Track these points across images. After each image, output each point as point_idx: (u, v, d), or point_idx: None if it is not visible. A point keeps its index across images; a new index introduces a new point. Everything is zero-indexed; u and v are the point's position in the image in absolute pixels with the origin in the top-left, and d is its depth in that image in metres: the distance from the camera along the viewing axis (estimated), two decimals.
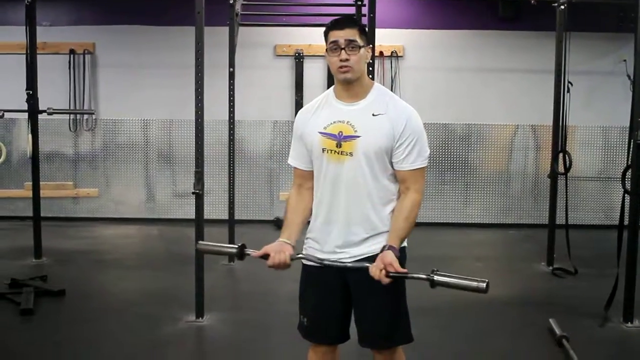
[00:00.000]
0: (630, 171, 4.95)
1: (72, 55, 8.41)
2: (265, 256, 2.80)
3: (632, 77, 7.51)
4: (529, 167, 8.57)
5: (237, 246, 2.87)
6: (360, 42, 2.76)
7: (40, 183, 6.70)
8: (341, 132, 2.82)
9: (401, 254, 2.87)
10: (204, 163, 4.89)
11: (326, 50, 2.81)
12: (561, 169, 6.49)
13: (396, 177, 2.86)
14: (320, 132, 2.84)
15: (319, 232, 2.91)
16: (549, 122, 6.71)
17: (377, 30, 5.18)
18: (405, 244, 2.92)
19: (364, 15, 5.60)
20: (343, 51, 2.74)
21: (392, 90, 7.70)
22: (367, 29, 2.88)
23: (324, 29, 2.84)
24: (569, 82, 6.35)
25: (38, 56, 6.53)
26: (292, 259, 2.81)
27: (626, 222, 5.00)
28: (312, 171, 2.95)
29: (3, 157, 7.50)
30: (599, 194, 8.52)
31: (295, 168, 3.01)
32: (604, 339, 4.78)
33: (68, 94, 8.39)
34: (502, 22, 8.38)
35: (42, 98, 6.57)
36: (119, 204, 8.65)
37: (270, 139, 8.46)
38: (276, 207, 8.36)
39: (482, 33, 8.40)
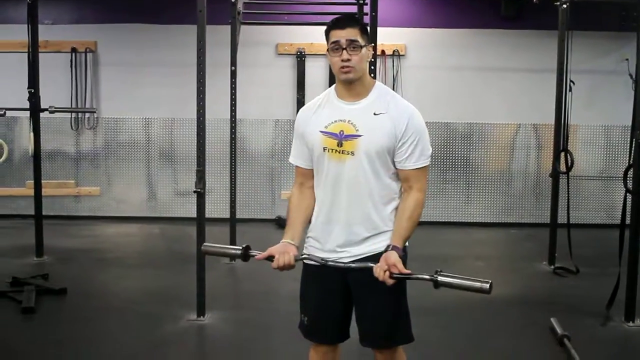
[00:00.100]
0: (632, 170, 4.94)
1: (73, 54, 8.41)
2: (270, 258, 2.80)
3: (634, 76, 7.53)
4: (531, 166, 8.56)
5: (241, 247, 2.86)
6: (361, 41, 2.75)
7: (42, 181, 6.70)
8: (342, 131, 2.81)
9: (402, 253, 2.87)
10: (205, 162, 4.90)
11: (327, 50, 2.80)
12: (563, 168, 6.48)
13: (398, 176, 2.86)
14: (322, 131, 2.84)
15: (320, 231, 2.91)
16: (551, 121, 6.71)
17: (379, 29, 5.17)
18: (406, 243, 2.92)
19: (366, 14, 5.61)
20: (344, 51, 2.74)
21: (393, 89, 7.72)
22: (368, 27, 2.87)
23: (325, 27, 2.83)
24: (571, 81, 6.34)
25: (40, 54, 6.52)
26: (296, 260, 2.81)
27: (628, 221, 4.99)
28: (313, 169, 2.95)
29: (5, 155, 7.50)
30: (601, 193, 8.51)
31: (296, 167, 3.01)
32: (606, 338, 4.78)
33: (70, 92, 8.39)
34: (504, 21, 8.37)
35: (44, 96, 6.57)
36: (120, 203, 8.66)
37: (272, 138, 8.46)
38: (278, 206, 8.36)
39: (484, 32, 8.39)
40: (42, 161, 6.79)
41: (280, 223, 7.84)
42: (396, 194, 2.87)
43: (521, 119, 8.48)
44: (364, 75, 2.83)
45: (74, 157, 8.61)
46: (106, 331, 4.79)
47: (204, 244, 3.04)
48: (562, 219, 6.53)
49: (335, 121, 2.83)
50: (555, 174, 6.62)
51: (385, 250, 2.73)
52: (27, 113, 6.65)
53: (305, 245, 2.97)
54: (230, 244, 6.56)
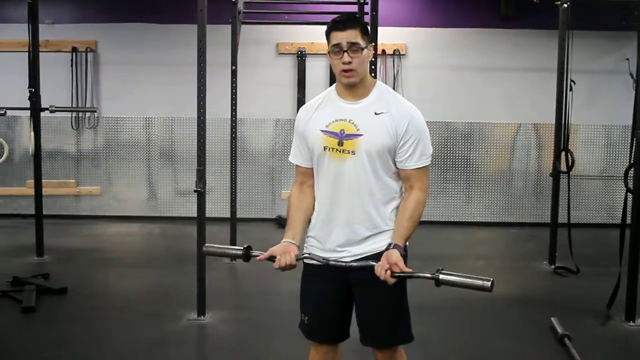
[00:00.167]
0: (632, 170, 4.94)
1: (74, 53, 8.41)
2: (271, 258, 2.80)
3: (634, 76, 7.55)
4: (531, 166, 8.56)
5: (242, 248, 2.86)
6: (362, 43, 2.75)
7: (43, 181, 6.70)
8: (343, 130, 2.81)
9: (402, 253, 2.87)
10: (206, 161, 4.90)
11: (328, 52, 2.80)
12: (563, 167, 6.48)
13: (398, 175, 2.86)
14: (322, 130, 2.84)
15: (320, 230, 2.90)
16: (551, 120, 6.71)
17: (379, 29, 5.17)
18: (407, 242, 2.92)
19: (367, 14, 5.61)
20: (345, 54, 2.73)
21: (394, 88, 7.71)
22: (369, 27, 2.86)
23: (326, 27, 2.83)
24: (571, 80, 6.34)
25: (40, 54, 6.52)
26: (297, 259, 2.81)
27: (628, 220, 4.99)
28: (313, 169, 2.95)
29: (5, 154, 7.50)
30: (601, 193, 8.51)
31: (296, 166, 3.01)
32: (606, 337, 4.78)
33: (70, 91, 8.39)
34: (504, 21, 8.37)
35: (45, 96, 6.57)
36: (120, 202, 8.66)
37: (272, 137, 8.46)
38: (278, 205, 8.36)
39: (484, 31, 8.38)
40: (42, 160, 6.79)
41: (280, 222, 7.84)
42: (396, 193, 2.87)
43: (521, 118, 8.48)
44: (365, 75, 2.83)
45: (74, 157, 8.61)
46: (106, 331, 4.79)
47: (205, 244, 3.04)
48: (562, 218, 6.53)
49: (336, 120, 2.83)
50: (555, 174, 6.62)
51: (387, 249, 2.73)
52: (28, 112, 6.66)
53: (305, 245, 2.97)
54: (231, 244, 6.57)
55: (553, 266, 6.47)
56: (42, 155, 6.75)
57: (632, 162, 4.98)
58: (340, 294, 2.94)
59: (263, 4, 7.37)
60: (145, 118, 8.55)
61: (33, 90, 6.41)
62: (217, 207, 7.87)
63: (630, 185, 4.97)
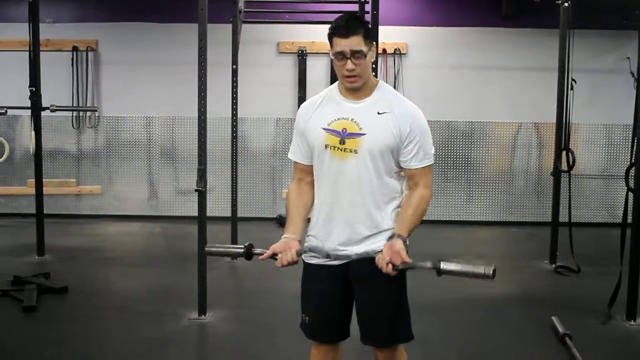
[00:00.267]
0: (633, 169, 4.94)
1: (75, 52, 8.40)
2: (274, 256, 2.81)
3: (635, 75, 7.55)
4: (532, 165, 8.56)
5: (243, 246, 2.86)
6: (365, 48, 2.74)
7: (43, 180, 6.71)
8: (345, 129, 2.81)
9: (401, 270, 2.88)
10: (206, 160, 4.90)
11: (332, 55, 2.79)
12: (564, 166, 6.48)
13: (400, 175, 2.87)
14: (324, 128, 2.84)
15: (321, 229, 2.90)
16: (552, 119, 6.70)
17: (380, 28, 5.17)
18: (409, 237, 2.93)
19: (367, 13, 5.60)
20: (349, 61, 2.73)
21: (395, 87, 7.70)
22: (370, 25, 2.85)
23: (327, 26, 2.82)
24: (572, 79, 6.34)
25: (41, 53, 6.53)
26: (298, 254, 2.81)
27: (629, 220, 4.98)
28: (312, 166, 2.95)
29: (6, 154, 7.49)
30: (602, 192, 8.51)
31: (295, 162, 3.01)
32: (607, 336, 4.77)
33: (71, 91, 8.39)
34: (505, 20, 8.36)
35: (45, 95, 6.57)
36: (121, 201, 8.66)
37: (273, 137, 8.47)
38: (279, 205, 8.36)
39: (485, 30, 8.38)
40: (43, 160, 6.79)
41: (281, 222, 7.84)
42: (398, 193, 2.88)
43: (522, 117, 8.47)
44: (368, 76, 2.83)
45: (75, 156, 8.61)
46: (107, 330, 4.79)
47: (207, 246, 3.04)
48: (563, 217, 6.53)
49: (339, 119, 2.83)
50: (556, 173, 6.61)
51: (390, 238, 2.73)
52: (29, 112, 6.66)
53: (305, 244, 2.97)
54: (232, 243, 6.57)
55: (554, 265, 6.46)
56: (42, 154, 6.75)
57: (633, 161, 4.98)
58: (340, 293, 2.94)
59: (264, 3, 7.37)
60: (146, 117, 8.55)
61: (34, 89, 6.41)
62: (217, 206, 7.88)
63: (631, 184, 4.96)
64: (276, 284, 5.64)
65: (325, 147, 2.83)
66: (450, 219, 8.47)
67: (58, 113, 7.19)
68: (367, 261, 2.81)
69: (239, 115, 6.74)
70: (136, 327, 4.84)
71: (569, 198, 6.44)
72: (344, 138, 2.81)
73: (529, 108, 8.41)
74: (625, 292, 4.96)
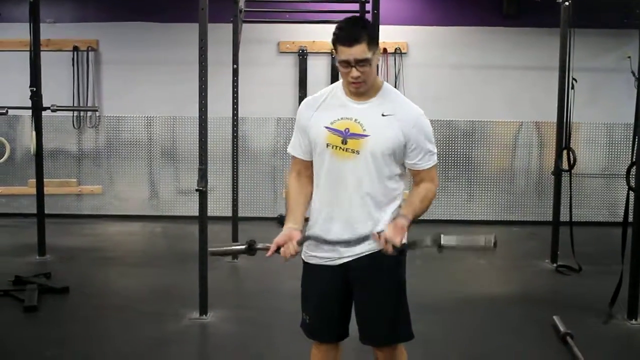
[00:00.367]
0: (634, 168, 4.93)
1: (75, 52, 8.40)
2: (279, 250, 2.80)
3: (636, 74, 7.55)
4: (533, 164, 8.55)
5: (245, 242, 2.87)
6: (370, 54, 2.73)
7: (44, 180, 6.71)
8: (347, 129, 2.81)
9: (401, 251, 2.88)
10: (207, 160, 4.90)
11: (336, 59, 2.78)
12: (565, 165, 6.47)
13: (401, 176, 2.89)
14: (327, 127, 2.83)
15: (320, 229, 2.90)
16: (553, 118, 6.70)
17: (380, 27, 5.16)
18: (404, 240, 2.93)
19: (368, 12, 5.60)
20: (354, 69, 2.72)
21: (395, 87, 7.69)
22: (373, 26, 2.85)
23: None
24: (573, 78, 6.34)
25: (42, 53, 6.53)
26: (300, 244, 2.81)
27: (630, 219, 4.98)
28: (311, 162, 2.95)
29: (7, 154, 7.49)
30: (603, 191, 8.50)
31: (294, 157, 3.01)
32: (609, 336, 4.77)
33: (72, 90, 8.39)
34: (505, 19, 8.36)
35: (46, 95, 6.57)
36: (122, 201, 8.65)
37: (274, 136, 8.47)
38: (280, 205, 8.36)
39: (485, 30, 8.38)
40: (44, 160, 6.79)
41: (282, 221, 7.80)
42: (398, 194, 2.88)
43: (523, 116, 8.47)
44: (374, 78, 2.83)
45: (76, 156, 8.61)
46: (108, 330, 4.80)
47: (210, 248, 3.04)
48: (564, 216, 6.52)
49: (342, 118, 2.83)
50: (557, 172, 6.61)
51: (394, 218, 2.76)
52: (29, 112, 6.66)
53: (306, 233, 2.95)
54: (231, 243, 6.57)
55: (555, 264, 6.46)
56: (43, 154, 6.75)
57: (634, 160, 4.97)
58: (339, 293, 2.94)
59: (264, 3, 7.36)
60: (147, 117, 8.55)
61: (34, 89, 6.41)
62: (218, 206, 7.87)
63: (632, 183, 4.96)
64: (277, 284, 5.64)
65: (327, 146, 2.83)
66: (451, 219, 8.46)
67: (59, 113, 7.17)
68: (366, 261, 2.82)
69: (239, 115, 6.74)
70: (137, 327, 4.84)
71: (570, 197, 6.44)
72: (346, 138, 2.81)
73: (529, 107, 8.41)
74: (627, 291, 4.95)
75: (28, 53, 6.44)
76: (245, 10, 6.67)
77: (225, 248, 3.08)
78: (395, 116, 2.80)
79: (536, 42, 8.20)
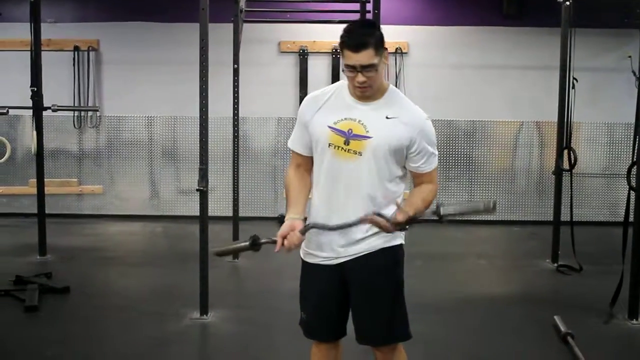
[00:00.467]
0: (635, 167, 4.93)
1: (76, 52, 8.40)
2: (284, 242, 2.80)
3: (637, 74, 7.55)
4: (534, 164, 8.55)
5: (250, 238, 2.87)
6: (377, 60, 2.72)
7: (45, 180, 6.71)
8: (351, 129, 2.80)
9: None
10: (208, 160, 4.90)
11: (342, 63, 2.77)
12: (566, 165, 6.47)
13: (401, 179, 2.89)
14: (330, 127, 2.82)
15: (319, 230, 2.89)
16: (553, 118, 6.70)
17: (381, 27, 5.15)
18: (402, 241, 2.93)
19: (369, 12, 5.60)
20: (360, 74, 2.72)
21: (396, 86, 7.70)
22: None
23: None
24: (574, 78, 6.34)
25: (43, 53, 6.52)
26: (302, 233, 2.80)
27: (631, 218, 4.97)
28: (311, 157, 2.94)
29: (7, 153, 7.49)
30: (604, 191, 8.49)
31: (294, 151, 3.00)
32: (609, 335, 4.77)
33: (72, 90, 8.39)
34: (506, 19, 8.35)
35: (47, 95, 6.57)
36: (123, 201, 8.65)
37: (275, 136, 8.47)
38: (280, 204, 8.36)
39: (486, 29, 8.38)
40: (44, 159, 6.79)
41: (282, 221, 7.82)
42: (398, 196, 2.88)
43: (523, 116, 8.47)
44: (379, 83, 2.83)
45: (76, 156, 8.61)
46: (109, 330, 4.80)
47: (214, 249, 3.04)
48: (565, 216, 6.52)
49: (345, 119, 2.82)
50: (558, 172, 6.61)
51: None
52: (30, 111, 6.66)
53: (302, 244, 2.95)
54: (232, 242, 6.57)
55: (556, 264, 6.46)
56: (44, 154, 6.75)
57: (634, 159, 4.97)
58: (338, 292, 2.94)
59: (265, 3, 7.35)
60: (148, 117, 8.55)
61: (35, 89, 6.41)
62: (219, 205, 7.88)
63: (633, 183, 4.96)
64: (278, 284, 5.65)
65: (329, 145, 2.83)
66: (452, 218, 8.43)
67: (59, 113, 7.18)
68: (363, 261, 2.82)
69: (240, 115, 6.74)
70: (138, 327, 4.84)
71: (571, 197, 6.43)
72: (349, 139, 2.80)
73: (530, 107, 8.40)
74: (627, 290, 4.95)
75: (29, 53, 6.44)
76: (245, 10, 6.67)
77: (229, 247, 3.08)
78: (399, 119, 2.80)
79: (536, 41, 8.20)
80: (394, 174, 2.84)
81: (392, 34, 8.12)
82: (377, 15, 5.12)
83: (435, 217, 2.64)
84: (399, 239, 2.92)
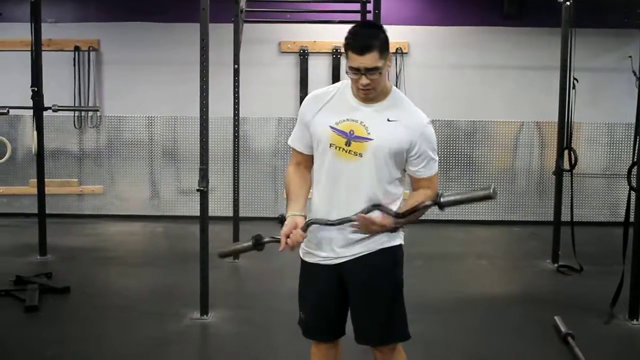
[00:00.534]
0: (636, 168, 4.93)
1: (76, 52, 8.40)
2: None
3: (637, 74, 7.54)
4: (534, 164, 8.55)
5: (252, 238, 2.88)
6: (381, 63, 2.71)
7: (45, 180, 6.71)
8: (352, 131, 2.80)
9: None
10: (208, 160, 4.90)
11: (346, 65, 2.76)
12: (566, 165, 6.47)
13: (401, 182, 2.88)
14: (331, 127, 2.82)
15: (318, 230, 2.89)
16: (554, 118, 6.70)
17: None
18: (402, 241, 2.93)
19: (369, 12, 5.60)
20: (364, 77, 2.71)
21: (397, 86, 7.70)
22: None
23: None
24: (574, 78, 6.33)
25: (43, 53, 6.53)
26: (304, 230, 2.79)
27: (632, 219, 4.97)
28: (312, 156, 2.94)
29: (8, 154, 7.50)
30: (605, 191, 8.49)
31: (294, 149, 3.00)
32: (610, 336, 4.77)
33: (73, 90, 8.39)
34: (506, 19, 8.35)
35: (47, 95, 6.57)
36: (123, 201, 8.65)
37: (275, 136, 8.47)
38: (281, 204, 8.35)
39: (486, 29, 8.37)
40: (45, 160, 6.79)
41: (282, 221, 7.82)
42: (398, 197, 2.88)
43: (524, 116, 8.46)
44: (383, 85, 2.82)
45: (77, 156, 8.61)
46: (109, 330, 4.80)
47: (218, 250, 3.05)
48: (565, 216, 6.52)
49: (347, 119, 2.81)
50: (558, 172, 6.61)
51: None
52: (31, 111, 6.66)
53: (301, 244, 2.94)
54: (234, 242, 6.58)
55: (556, 265, 6.46)
56: (44, 154, 6.75)
57: (635, 159, 4.97)
58: (337, 292, 2.94)
59: (265, 3, 7.35)
60: (148, 117, 8.55)
61: (36, 89, 6.41)
62: (219, 206, 7.88)
63: (634, 183, 4.96)
64: (278, 284, 5.64)
65: (330, 145, 2.82)
66: (452, 218, 8.43)
67: (60, 113, 7.17)
68: (362, 261, 2.82)
69: (240, 115, 6.74)
70: (138, 327, 4.84)
71: (571, 197, 6.43)
72: (350, 140, 2.80)
73: (530, 107, 8.40)
74: (628, 291, 4.95)
75: (29, 53, 6.44)
76: (246, 10, 6.67)
77: (232, 248, 3.08)
78: (401, 122, 2.79)
79: (537, 41, 8.20)
80: (394, 176, 2.84)
81: (393, 34, 7.95)
82: (377, 15, 5.12)
83: (436, 205, 2.63)
84: (398, 239, 2.92)
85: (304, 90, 8.31)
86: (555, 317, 4.77)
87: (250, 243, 2.87)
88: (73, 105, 8.34)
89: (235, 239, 6.68)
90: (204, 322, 4.89)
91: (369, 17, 5.31)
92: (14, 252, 6.81)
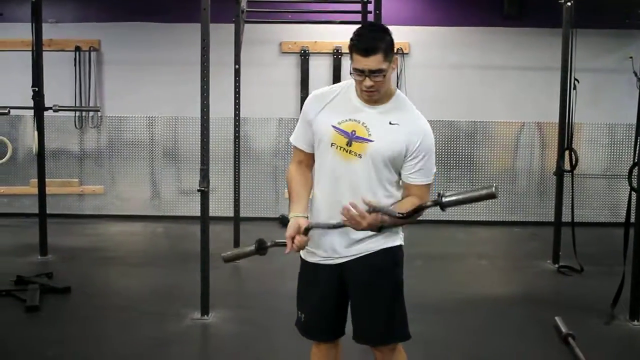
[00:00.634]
0: (637, 168, 4.93)
1: (77, 52, 8.40)
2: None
3: (638, 74, 7.55)
4: (535, 165, 8.54)
5: (255, 242, 2.90)
6: (385, 65, 2.70)
7: (46, 180, 6.71)
8: (354, 131, 2.80)
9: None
10: (209, 160, 4.90)
11: (351, 66, 2.76)
12: (567, 166, 6.47)
13: (399, 184, 2.89)
14: (334, 126, 2.82)
15: (318, 230, 2.89)
16: (554, 119, 6.70)
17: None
18: (401, 242, 2.93)
19: (370, 12, 5.60)
20: (368, 79, 2.71)
21: (397, 87, 7.70)
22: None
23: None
24: (575, 79, 6.33)
25: (44, 53, 6.53)
26: (306, 232, 2.80)
27: (632, 219, 4.97)
28: (313, 154, 2.95)
29: (9, 154, 7.50)
30: (605, 192, 8.49)
31: (296, 147, 3.00)
32: (610, 336, 4.77)
33: (73, 91, 8.39)
34: (507, 19, 8.35)
35: (48, 95, 6.58)
36: (124, 201, 8.65)
37: (276, 137, 8.47)
38: (281, 205, 8.36)
39: (487, 30, 8.37)
40: (46, 160, 6.80)
41: (283, 222, 7.80)
42: (397, 200, 2.87)
43: (525, 117, 8.46)
44: (387, 87, 2.82)
45: (77, 156, 8.61)
46: (110, 330, 4.80)
47: (222, 254, 3.05)
48: (566, 217, 6.52)
49: (350, 120, 2.82)
50: (559, 172, 6.61)
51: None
52: (31, 112, 6.66)
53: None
54: (234, 243, 6.61)
55: (557, 265, 6.46)
56: (45, 154, 6.75)
57: (636, 160, 4.97)
58: (337, 292, 2.95)
59: (266, 3, 7.36)
60: (149, 117, 8.55)
61: (36, 89, 6.41)
62: (220, 206, 7.87)
63: (635, 184, 4.96)
64: (279, 285, 5.64)
65: (331, 145, 2.83)
66: (452, 219, 8.43)
67: (61, 113, 7.18)
68: (363, 261, 2.82)
69: (241, 115, 6.75)
70: (139, 327, 4.85)
71: (572, 197, 6.43)
72: (351, 140, 2.80)
73: (531, 108, 8.40)
74: (629, 291, 4.95)
75: (30, 53, 6.44)
76: (247, 11, 6.68)
77: (236, 252, 3.09)
78: (401, 126, 2.79)
79: (537, 42, 8.19)
80: (393, 178, 2.85)
81: (394, 34, 8.09)
82: (378, 15, 5.13)
83: (438, 205, 2.62)
84: (398, 239, 2.93)
85: (304, 91, 8.30)
86: (556, 318, 4.77)
87: (252, 248, 2.88)
88: (74, 105, 8.34)
89: (236, 239, 6.69)
90: (204, 322, 4.89)
91: (370, 17, 5.31)
92: (15, 252, 6.81)
